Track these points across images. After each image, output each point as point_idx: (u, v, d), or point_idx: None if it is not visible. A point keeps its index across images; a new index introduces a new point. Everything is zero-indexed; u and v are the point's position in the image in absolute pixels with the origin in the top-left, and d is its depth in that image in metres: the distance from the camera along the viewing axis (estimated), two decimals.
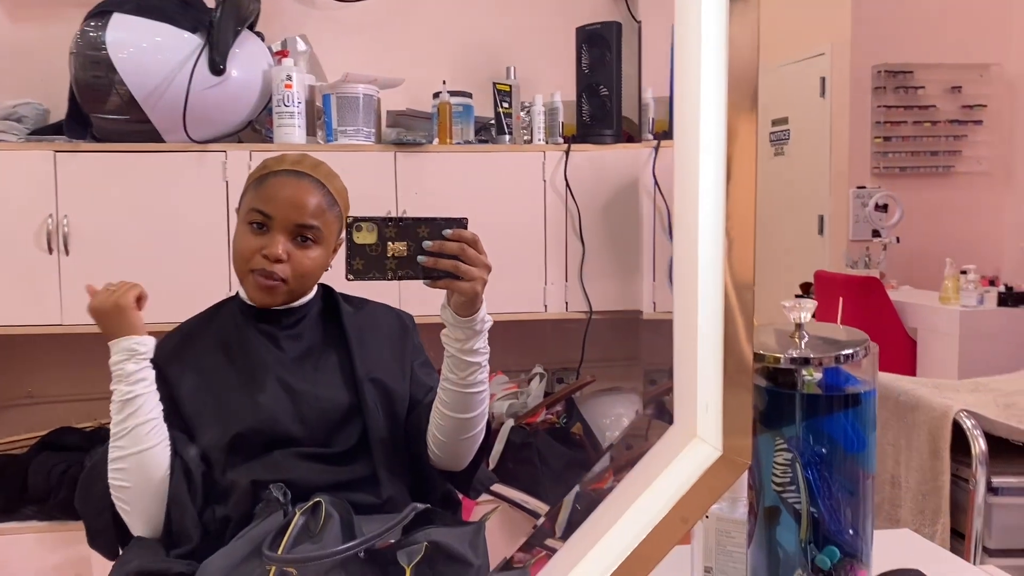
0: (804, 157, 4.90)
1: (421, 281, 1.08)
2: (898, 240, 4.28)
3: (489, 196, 2.42)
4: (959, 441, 1.50)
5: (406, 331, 1.38)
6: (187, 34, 2.19)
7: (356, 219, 1.05)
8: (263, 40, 2.41)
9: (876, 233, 4.32)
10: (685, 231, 0.63)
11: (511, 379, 2.64)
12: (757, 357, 0.64)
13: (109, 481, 1.17)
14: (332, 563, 1.05)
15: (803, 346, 0.64)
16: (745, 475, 0.71)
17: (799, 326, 0.65)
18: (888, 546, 0.93)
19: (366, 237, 1.04)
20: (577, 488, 1.95)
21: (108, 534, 1.21)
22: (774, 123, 5.17)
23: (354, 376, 1.28)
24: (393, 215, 1.05)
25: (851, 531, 0.65)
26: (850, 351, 0.62)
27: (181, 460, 1.19)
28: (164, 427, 1.19)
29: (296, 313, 1.31)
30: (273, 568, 1.05)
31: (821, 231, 4.76)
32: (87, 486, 1.21)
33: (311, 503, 1.12)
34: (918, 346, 3.58)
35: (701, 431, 0.63)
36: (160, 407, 1.19)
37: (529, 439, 2.37)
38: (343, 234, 1.32)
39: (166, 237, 2.27)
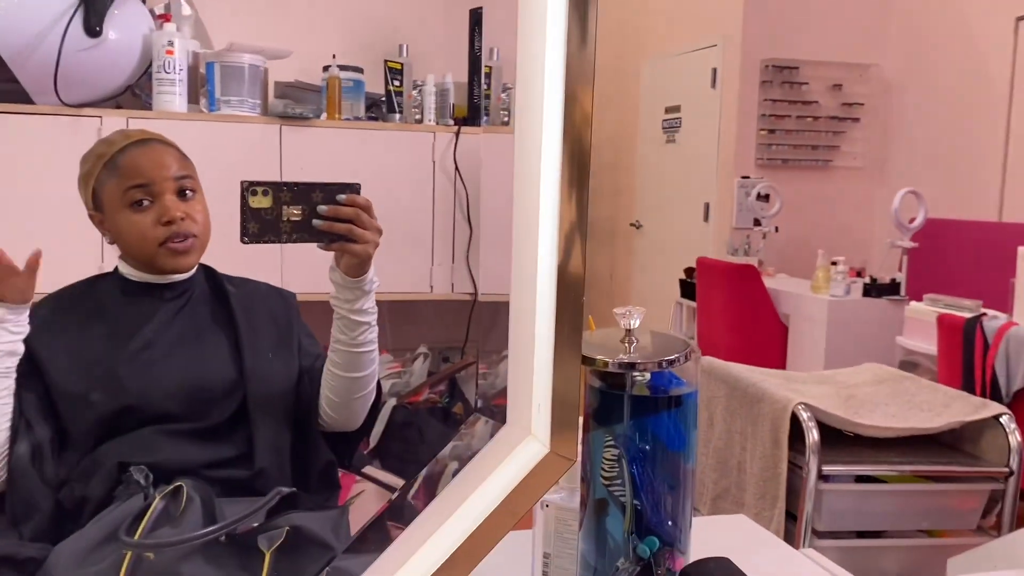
0: (694, 146, 5.06)
1: (315, 244, 1.11)
2: (777, 229, 4.48)
3: (377, 174, 2.41)
4: (800, 431, 1.61)
5: (290, 307, 1.40)
6: None
7: (251, 183, 1.06)
8: (144, 2, 2.32)
9: (757, 222, 4.51)
10: (522, 235, 0.66)
11: (395, 358, 2.65)
12: (588, 361, 0.68)
13: None
14: (191, 547, 1.05)
15: (632, 351, 0.68)
16: (578, 468, 0.75)
17: (629, 332, 0.69)
18: (722, 531, 1.00)
19: (261, 201, 1.06)
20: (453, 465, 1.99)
21: None
22: (667, 111, 5.31)
23: (239, 350, 1.27)
24: (290, 180, 1.06)
25: (670, 522, 0.70)
26: (673, 356, 0.67)
27: (29, 427, 1.16)
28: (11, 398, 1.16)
29: (178, 288, 1.30)
30: (129, 553, 1.04)
31: (707, 218, 4.93)
32: None
33: (172, 487, 1.12)
34: (789, 332, 3.78)
35: (535, 429, 0.66)
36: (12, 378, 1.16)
37: (411, 418, 2.40)
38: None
39: (35, 205, 2.17)
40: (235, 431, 1.25)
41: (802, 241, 4.59)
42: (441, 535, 0.66)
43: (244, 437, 1.25)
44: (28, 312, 1.16)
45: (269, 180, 1.07)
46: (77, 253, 2.14)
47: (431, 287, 2.52)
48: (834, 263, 3.71)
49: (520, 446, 0.66)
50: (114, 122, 2.19)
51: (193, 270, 1.31)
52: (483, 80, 2.46)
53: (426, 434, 2.36)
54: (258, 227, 1.06)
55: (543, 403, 0.65)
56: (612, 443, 0.69)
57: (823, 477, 1.56)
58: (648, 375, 0.69)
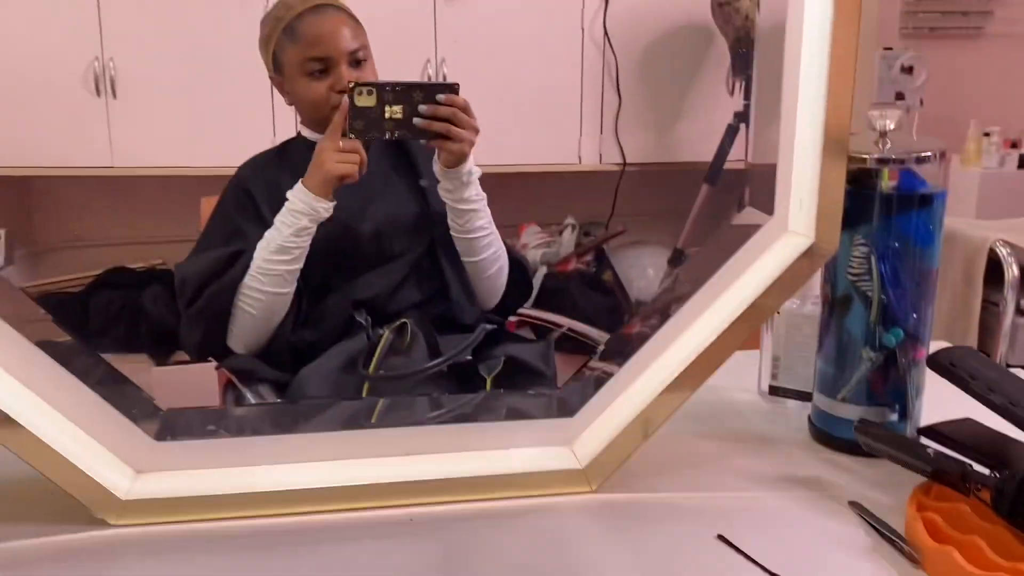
0: None
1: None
2: (922, 103, 4.26)
3: (527, 45, 2.43)
4: (988, 270, 1.60)
5: None
6: None
7: (357, 84, 1.14)
8: None
9: (900, 96, 4.30)
10: (792, 66, 0.69)
11: (543, 229, 2.73)
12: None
13: (237, 302, 1.24)
14: (424, 376, 1.16)
15: (885, 150, 0.72)
16: (818, 276, 0.81)
17: (883, 134, 0.72)
18: None
19: (366, 100, 1.13)
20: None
21: (213, 344, 1.30)
22: None
23: (423, 196, 1.34)
24: (391, 81, 1.13)
25: (915, 315, 0.74)
26: (928, 152, 0.70)
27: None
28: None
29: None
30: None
31: None
32: (213, 299, 1.25)
33: (398, 323, 1.22)
34: None
35: (794, 225, 0.71)
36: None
37: (562, 285, 2.49)
38: None
39: (211, 78, 2.31)
40: (430, 268, 1.33)
41: (950, 114, 4.35)
42: (711, 314, 0.73)
43: (437, 274, 1.33)
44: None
45: (374, 81, 1.15)
46: (252, 119, 2.28)
47: (579, 158, 2.56)
48: (987, 134, 3.53)
49: (781, 241, 0.72)
50: None
51: None
52: None
53: (578, 300, 2.44)
54: (363, 124, 1.13)
55: (806, 199, 0.70)
56: (862, 242, 0.73)
57: (1020, 312, 1.56)
58: (894, 180, 0.73)
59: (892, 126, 0.72)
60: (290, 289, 1.25)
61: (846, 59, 0.66)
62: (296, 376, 1.18)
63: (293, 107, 1.38)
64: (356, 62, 1.29)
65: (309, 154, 1.34)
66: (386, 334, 1.20)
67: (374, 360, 1.17)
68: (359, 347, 1.21)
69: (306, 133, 1.38)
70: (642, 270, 2.75)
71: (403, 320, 1.22)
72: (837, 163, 0.67)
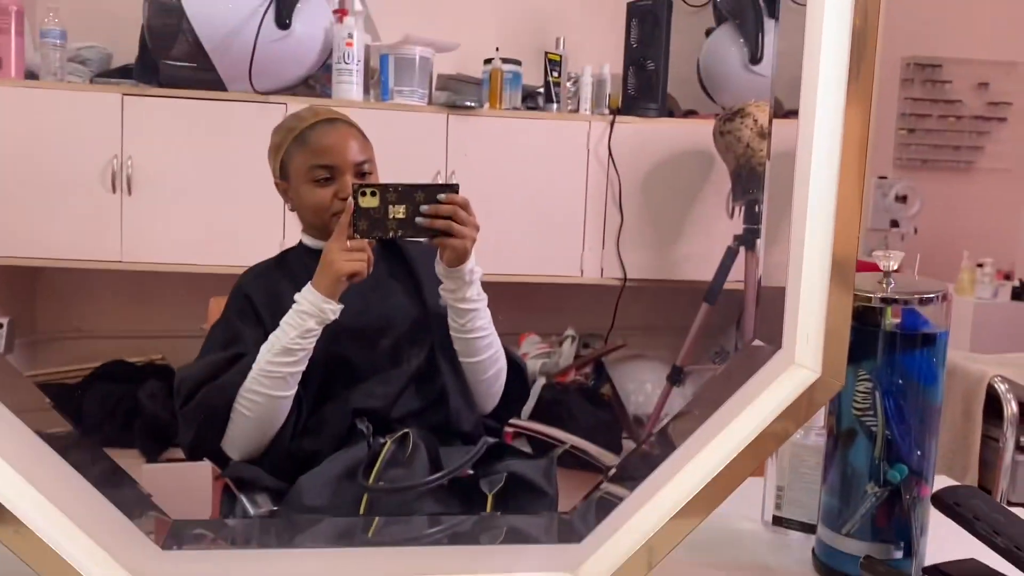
0: None
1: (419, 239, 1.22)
2: (916, 231, 4.36)
3: (535, 162, 2.51)
4: (988, 405, 1.62)
5: None
6: None
7: (361, 186, 1.18)
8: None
9: (894, 223, 4.40)
10: (801, 199, 0.72)
11: (543, 340, 2.75)
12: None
13: (235, 405, 1.24)
14: (425, 490, 1.15)
15: (889, 290, 0.74)
16: (822, 408, 0.81)
17: (887, 273, 0.75)
18: None
19: (370, 201, 1.17)
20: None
21: (207, 445, 1.30)
22: None
23: (422, 301, 1.36)
24: (394, 182, 1.18)
25: (919, 452, 0.75)
26: (932, 294, 0.73)
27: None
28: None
29: None
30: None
31: None
32: (208, 398, 1.25)
33: (400, 434, 1.22)
34: None
35: (800, 358, 0.73)
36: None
37: (560, 396, 2.48)
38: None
39: (226, 183, 2.36)
40: (430, 375, 1.34)
41: (942, 243, 4.45)
42: (710, 451, 0.73)
43: (437, 381, 1.33)
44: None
45: (377, 183, 1.19)
46: (262, 226, 2.33)
47: (581, 271, 2.60)
48: (980, 265, 3.61)
49: (786, 374, 0.73)
50: (298, 108, 2.36)
51: None
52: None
53: (575, 413, 2.44)
54: (367, 224, 1.17)
55: (811, 333, 0.72)
56: (866, 377, 0.75)
57: (1020, 448, 1.57)
58: (898, 318, 0.75)
59: (895, 266, 0.74)
60: (290, 393, 1.25)
61: (852, 190, 0.70)
62: (294, 484, 1.17)
63: (295, 213, 1.42)
64: (361, 174, 1.34)
65: (309, 261, 1.36)
66: (388, 444, 1.19)
67: (375, 471, 1.16)
68: (359, 456, 1.21)
69: (307, 241, 1.41)
70: (640, 384, 2.75)
71: (405, 431, 1.22)
72: (843, 294, 0.69)
